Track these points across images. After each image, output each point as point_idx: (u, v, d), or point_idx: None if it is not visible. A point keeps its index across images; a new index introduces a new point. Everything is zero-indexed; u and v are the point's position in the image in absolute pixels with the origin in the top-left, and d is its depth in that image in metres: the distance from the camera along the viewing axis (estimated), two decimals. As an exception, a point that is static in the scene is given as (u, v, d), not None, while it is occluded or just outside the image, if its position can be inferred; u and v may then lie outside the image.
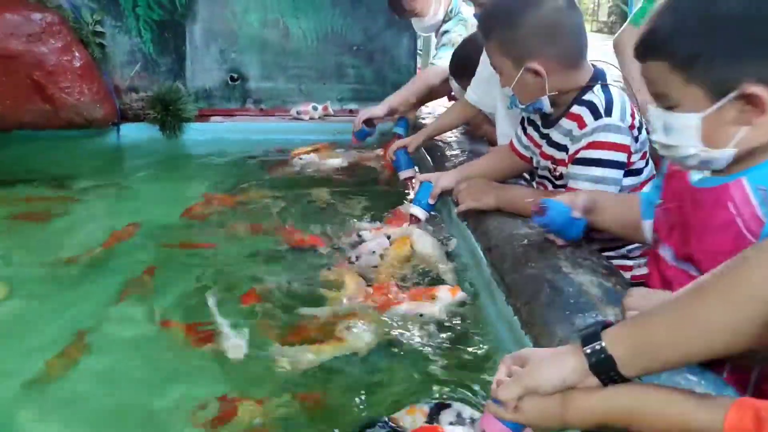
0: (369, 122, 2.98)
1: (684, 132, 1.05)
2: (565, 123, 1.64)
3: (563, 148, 1.65)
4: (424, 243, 1.95)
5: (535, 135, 1.78)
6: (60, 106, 3.48)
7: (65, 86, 3.48)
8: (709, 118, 1.02)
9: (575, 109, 1.60)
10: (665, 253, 1.21)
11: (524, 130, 1.85)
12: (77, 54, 3.54)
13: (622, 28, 2.70)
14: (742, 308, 0.82)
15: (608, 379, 0.92)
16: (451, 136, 2.87)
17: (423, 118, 3.35)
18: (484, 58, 2.38)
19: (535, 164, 1.82)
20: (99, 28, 3.85)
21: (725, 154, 1.04)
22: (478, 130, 2.77)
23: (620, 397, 0.91)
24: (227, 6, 3.97)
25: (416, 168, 2.60)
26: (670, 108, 1.06)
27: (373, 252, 2.01)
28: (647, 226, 1.32)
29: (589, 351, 0.92)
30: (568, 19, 1.62)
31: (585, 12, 20.44)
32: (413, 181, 2.41)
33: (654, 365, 0.92)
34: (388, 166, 2.84)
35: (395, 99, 3.05)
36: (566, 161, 1.63)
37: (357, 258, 2.01)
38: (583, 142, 1.57)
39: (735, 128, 1.01)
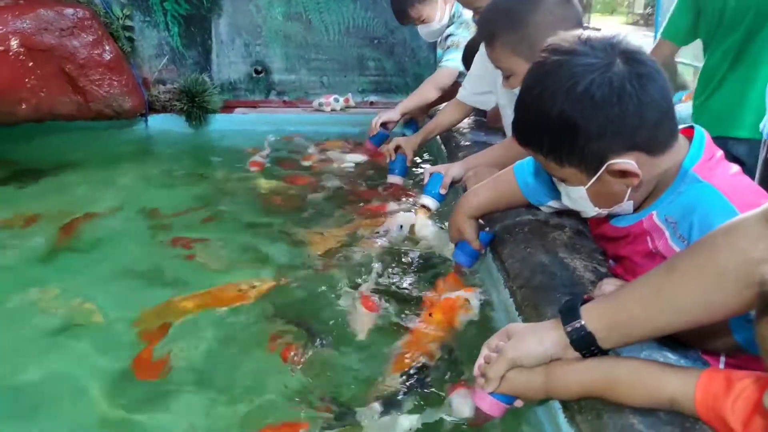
0: (384, 126, 3.01)
1: (579, 201, 1.18)
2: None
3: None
4: (427, 231, 2.03)
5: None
6: (90, 98, 3.61)
7: (96, 79, 3.61)
8: (593, 188, 1.13)
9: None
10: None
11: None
12: (107, 48, 3.66)
13: (655, 43, 2.72)
14: (710, 284, 0.87)
15: (588, 353, 0.98)
16: (466, 128, 2.91)
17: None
18: (477, 58, 2.44)
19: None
20: (128, 23, 3.99)
21: (624, 207, 1.16)
22: (492, 122, 2.82)
23: (598, 369, 0.97)
24: (252, 0, 4.06)
25: (405, 178, 2.62)
26: (563, 182, 1.17)
27: (401, 226, 2.11)
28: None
29: (569, 329, 0.98)
30: (569, 13, 1.65)
31: (620, 4, 20.10)
32: (395, 185, 2.57)
33: (631, 338, 0.98)
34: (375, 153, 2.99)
35: (409, 102, 3.07)
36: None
37: (386, 232, 2.11)
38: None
39: (622, 188, 1.11)
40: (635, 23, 17.22)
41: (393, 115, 3.01)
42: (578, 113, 1.05)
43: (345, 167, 3.17)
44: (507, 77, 1.74)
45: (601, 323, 0.96)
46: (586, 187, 1.13)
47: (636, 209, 1.20)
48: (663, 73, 1.09)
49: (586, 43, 1.08)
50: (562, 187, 1.20)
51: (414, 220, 2.10)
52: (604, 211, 1.19)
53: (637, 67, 1.05)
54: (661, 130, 1.09)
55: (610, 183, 1.11)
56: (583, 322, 0.97)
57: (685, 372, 0.92)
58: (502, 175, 1.60)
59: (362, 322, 1.64)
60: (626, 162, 1.06)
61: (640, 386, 0.93)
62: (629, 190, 1.11)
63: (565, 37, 1.12)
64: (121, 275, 2.04)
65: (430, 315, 1.62)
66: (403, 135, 3.08)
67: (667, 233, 1.13)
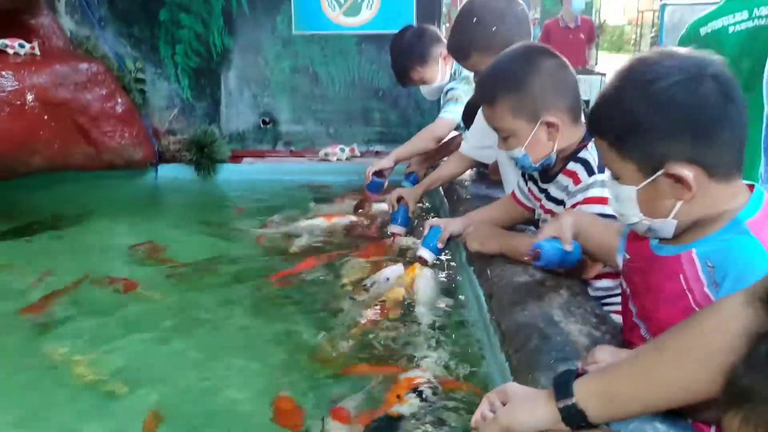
0: (379, 174, 3.08)
1: (626, 202, 1.15)
2: (562, 179, 1.72)
3: (560, 203, 1.74)
4: (426, 286, 2.08)
5: (535, 189, 1.87)
6: (103, 148, 3.73)
7: (108, 130, 3.73)
8: (644, 192, 1.12)
9: (570, 166, 1.69)
10: (632, 307, 1.30)
11: (525, 182, 1.95)
12: (119, 100, 3.79)
13: None
14: (696, 367, 0.89)
15: (577, 427, 1.02)
16: (468, 180, 2.98)
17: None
18: (480, 113, 2.50)
19: (536, 216, 1.92)
20: (140, 75, 4.13)
21: (666, 224, 1.12)
22: (494, 175, 2.88)
23: None
24: (260, 54, 4.20)
25: (408, 229, 2.67)
26: (617, 179, 1.16)
27: (387, 279, 2.16)
28: (620, 258, 1.40)
29: (561, 406, 1.01)
30: (567, 76, 1.71)
31: (627, 42, 20.36)
32: (397, 237, 2.61)
33: (621, 415, 1.01)
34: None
35: (403, 150, 3.13)
36: (563, 215, 1.72)
37: (372, 284, 2.15)
38: (579, 197, 1.65)
39: (671, 201, 1.10)
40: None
41: (385, 163, 3.08)
42: (656, 108, 1.06)
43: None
44: (505, 138, 1.76)
45: (592, 401, 0.99)
46: (639, 187, 1.12)
47: (675, 239, 1.16)
48: (746, 109, 1.09)
49: (680, 58, 1.10)
50: (612, 188, 1.19)
51: (401, 272, 2.17)
52: (646, 222, 1.15)
53: (726, 89, 1.06)
54: (728, 157, 1.08)
55: (662, 191, 1.10)
56: (575, 400, 0.99)
57: None
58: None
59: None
60: (686, 171, 1.06)
61: None
62: (678, 206, 1.10)
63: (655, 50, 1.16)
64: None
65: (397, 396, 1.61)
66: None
67: (703, 277, 1.11)
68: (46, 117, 3.50)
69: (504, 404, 1.08)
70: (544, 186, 1.81)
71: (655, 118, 1.07)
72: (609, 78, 1.18)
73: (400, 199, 2.64)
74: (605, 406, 0.99)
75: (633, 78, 1.11)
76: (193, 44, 4.17)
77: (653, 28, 14.54)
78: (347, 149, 4.16)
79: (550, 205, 1.79)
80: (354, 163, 4.08)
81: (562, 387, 1.02)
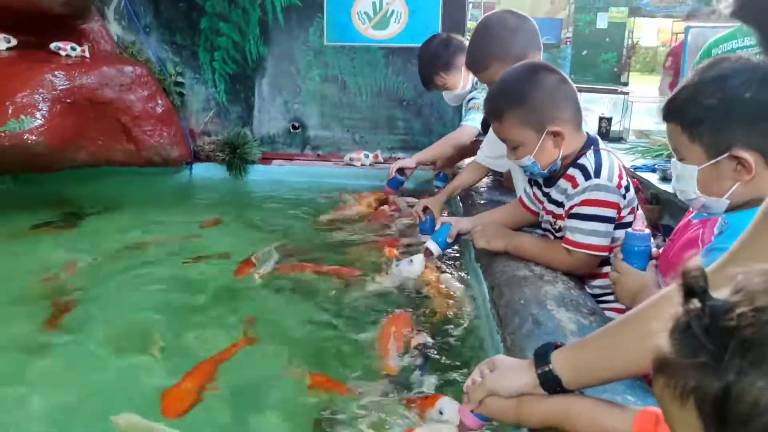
0: (401, 172, 3.27)
1: (688, 180, 1.33)
2: (562, 183, 1.88)
3: (561, 205, 1.89)
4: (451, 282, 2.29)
5: (539, 193, 2.03)
6: (142, 146, 3.94)
7: (148, 129, 3.94)
8: (705, 171, 1.29)
9: (570, 171, 1.85)
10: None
11: (531, 187, 2.11)
12: (160, 101, 4.01)
13: None
14: (653, 339, 1.05)
15: (554, 392, 1.17)
16: (484, 187, 3.14)
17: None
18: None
19: (540, 218, 2.08)
20: (180, 79, 4.37)
21: (720, 203, 1.30)
22: (508, 183, 3.04)
23: (558, 405, 1.15)
24: (293, 63, 4.41)
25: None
26: (681, 160, 1.34)
27: (411, 260, 2.35)
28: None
29: (539, 372, 1.17)
30: (567, 89, 1.85)
31: (660, 64, 20.24)
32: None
33: (592, 382, 1.16)
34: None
35: (426, 154, 3.35)
36: (563, 216, 1.88)
37: (397, 265, 2.36)
38: (577, 200, 1.80)
39: (729, 183, 1.27)
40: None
41: (409, 162, 3.29)
42: (730, 99, 1.23)
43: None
44: (514, 149, 1.88)
45: (567, 368, 1.14)
46: (702, 167, 1.28)
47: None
48: None
49: (748, 62, 1.27)
50: (675, 168, 1.36)
51: (423, 259, 2.35)
52: (703, 199, 1.32)
53: None
54: None
55: (723, 173, 1.26)
56: (551, 366, 1.14)
57: (627, 410, 1.09)
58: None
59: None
60: (749, 155, 1.23)
61: (589, 422, 1.10)
62: (734, 187, 1.26)
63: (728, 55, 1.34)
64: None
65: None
66: (435, 186, 3.34)
67: (716, 229, 1.31)
68: (92, 115, 3.73)
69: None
70: (546, 190, 1.97)
71: (728, 109, 1.24)
72: (688, 75, 1.36)
73: (425, 210, 2.76)
74: (578, 373, 1.14)
75: (710, 74, 1.29)
76: (231, 52, 4.40)
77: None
78: (371, 155, 4.32)
79: (551, 207, 1.95)
80: (377, 169, 4.24)
81: (541, 356, 1.18)
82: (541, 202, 2.01)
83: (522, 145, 1.85)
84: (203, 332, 2.11)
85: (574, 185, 1.82)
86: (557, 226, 1.94)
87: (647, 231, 1.61)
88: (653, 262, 1.56)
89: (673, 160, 1.38)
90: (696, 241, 1.36)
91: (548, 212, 1.97)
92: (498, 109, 1.89)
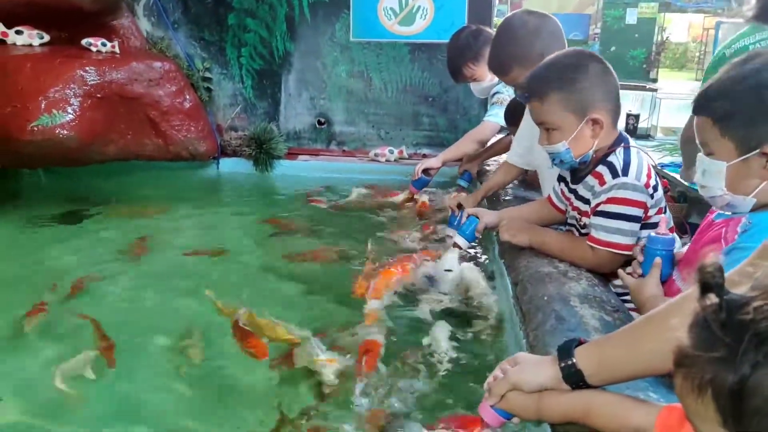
0: (426, 172, 3.28)
1: (714, 176, 1.30)
2: (590, 180, 1.86)
3: (587, 202, 1.88)
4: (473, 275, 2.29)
5: (566, 190, 2.02)
6: (170, 141, 3.99)
7: (176, 124, 3.99)
8: (734, 167, 1.27)
9: (599, 168, 1.83)
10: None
11: (558, 184, 2.10)
12: (188, 96, 4.06)
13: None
14: (674, 338, 1.05)
15: (576, 387, 1.17)
16: (510, 185, 3.13)
17: (488, 166, 3.63)
18: (524, 123, 2.62)
19: (566, 215, 2.07)
20: (207, 75, 4.43)
21: (746, 201, 1.28)
22: (535, 181, 3.03)
23: (580, 400, 1.15)
24: (319, 59, 4.44)
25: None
26: (709, 155, 1.32)
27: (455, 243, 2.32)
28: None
29: (563, 365, 1.17)
30: (612, 80, 1.83)
31: (691, 60, 19.88)
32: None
33: (615, 378, 1.15)
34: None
35: (449, 153, 3.35)
36: (589, 213, 1.87)
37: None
38: (603, 197, 1.79)
39: (756, 181, 1.26)
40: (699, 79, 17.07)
41: (434, 162, 3.29)
42: (765, 96, 1.22)
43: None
44: (550, 131, 1.83)
45: (590, 363, 1.13)
46: (730, 163, 1.26)
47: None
48: None
49: None
50: (702, 163, 1.33)
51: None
52: (728, 197, 1.30)
53: None
54: None
55: (752, 170, 1.24)
56: (574, 360, 1.14)
57: (651, 406, 1.08)
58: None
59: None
60: None
61: (611, 417, 1.09)
62: (761, 186, 1.25)
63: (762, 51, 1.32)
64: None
65: None
66: (458, 185, 3.35)
67: (739, 228, 1.28)
68: (121, 110, 3.79)
69: None
70: (573, 187, 1.96)
71: (762, 105, 1.23)
72: (722, 69, 1.33)
73: (459, 206, 2.68)
74: (600, 369, 1.14)
75: (746, 69, 1.27)
76: (258, 48, 4.44)
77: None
78: (396, 151, 4.34)
79: (577, 204, 1.94)
80: (401, 164, 4.27)
81: (564, 351, 1.18)
82: (568, 199, 2.00)
83: (559, 129, 1.82)
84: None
85: (602, 183, 1.81)
86: (582, 223, 1.93)
87: (671, 235, 1.59)
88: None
89: (700, 154, 1.34)
90: (719, 240, 1.34)
91: (574, 208, 1.96)
92: (541, 89, 1.83)
